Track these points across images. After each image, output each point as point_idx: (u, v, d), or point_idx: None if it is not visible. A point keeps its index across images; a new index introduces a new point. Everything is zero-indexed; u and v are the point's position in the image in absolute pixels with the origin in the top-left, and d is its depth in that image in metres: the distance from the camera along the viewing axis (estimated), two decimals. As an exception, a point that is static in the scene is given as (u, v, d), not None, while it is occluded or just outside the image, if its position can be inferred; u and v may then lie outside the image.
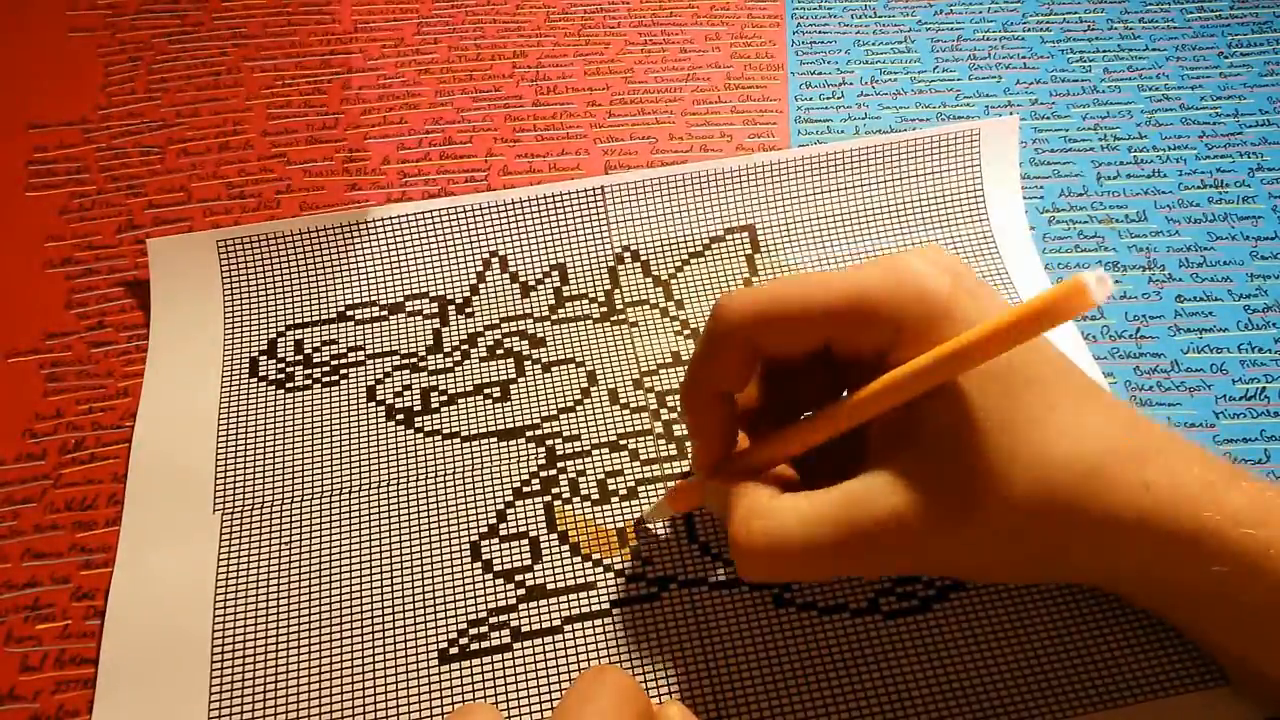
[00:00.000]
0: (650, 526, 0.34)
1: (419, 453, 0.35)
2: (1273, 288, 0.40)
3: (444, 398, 0.36)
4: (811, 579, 0.32)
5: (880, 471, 0.27)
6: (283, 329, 0.38)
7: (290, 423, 0.36)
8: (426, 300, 0.39)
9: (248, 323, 0.38)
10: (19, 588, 0.33)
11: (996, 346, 0.23)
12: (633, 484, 0.34)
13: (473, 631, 0.31)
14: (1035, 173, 0.44)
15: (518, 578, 0.32)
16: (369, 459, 0.35)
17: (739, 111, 0.46)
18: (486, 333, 0.38)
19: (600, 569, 0.32)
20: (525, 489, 0.34)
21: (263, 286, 0.39)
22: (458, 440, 0.35)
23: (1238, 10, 0.50)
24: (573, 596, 0.32)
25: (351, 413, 0.36)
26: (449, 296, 0.39)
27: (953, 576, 0.31)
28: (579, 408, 0.36)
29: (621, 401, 0.36)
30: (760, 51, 0.49)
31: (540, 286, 0.39)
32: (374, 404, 0.36)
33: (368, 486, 0.34)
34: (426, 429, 0.36)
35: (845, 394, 0.27)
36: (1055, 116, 0.46)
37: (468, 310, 0.38)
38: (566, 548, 0.33)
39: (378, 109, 0.47)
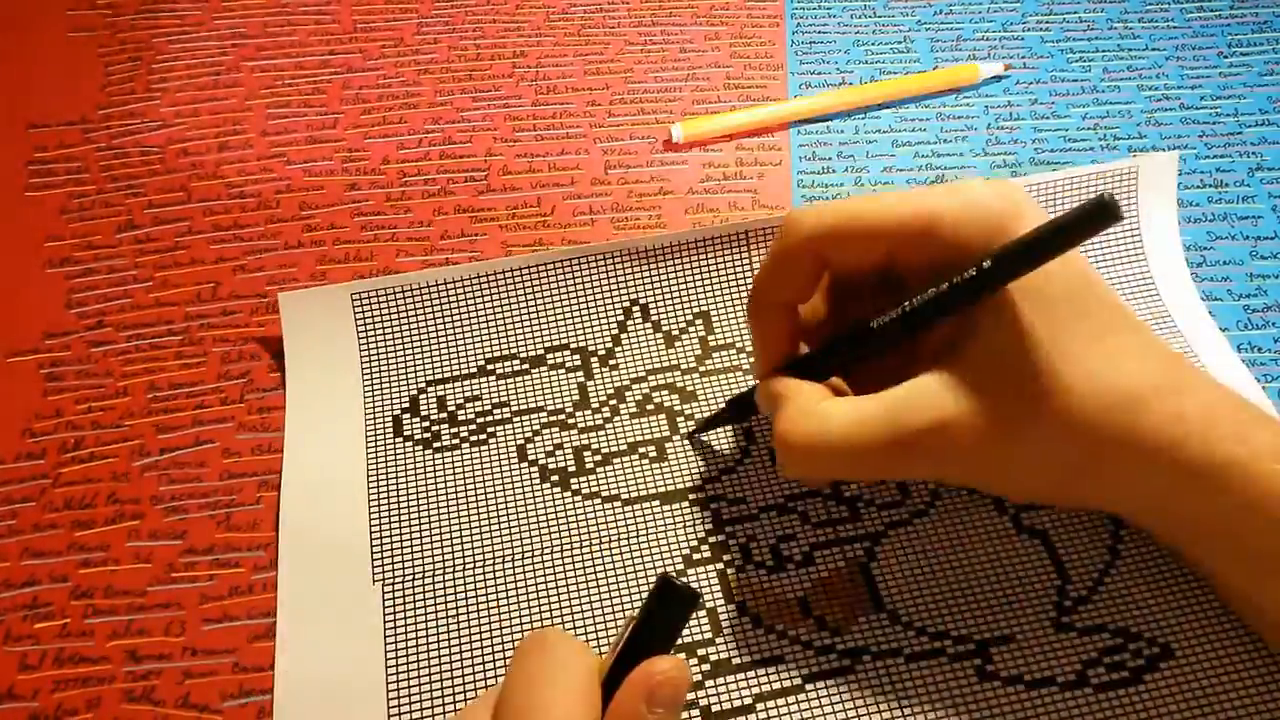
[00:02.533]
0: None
1: (579, 517, 0.34)
2: (1272, 288, 0.40)
3: (598, 457, 0.35)
4: (852, 477, 0.31)
5: (931, 376, 0.28)
6: (424, 385, 0.37)
7: (441, 485, 0.34)
8: (567, 352, 0.37)
9: (388, 379, 0.37)
10: (17, 586, 0.33)
11: (1036, 259, 0.25)
12: (807, 549, 0.33)
13: None
14: (1035, 173, 0.43)
15: (700, 652, 0.31)
16: (528, 524, 0.33)
17: (739, 111, 0.46)
18: (634, 386, 0.37)
19: (785, 641, 0.31)
20: (695, 556, 0.33)
21: (400, 341, 0.38)
22: (618, 504, 0.34)
23: (1238, 10, 0.50)
24: (761, 672, 0.30)
25: (504, 474, 0.35)
26: (591, 348, 0.38)
27: (983, 488, 0.31)
28: (740, 468, 0.35)
29: None
30: (760, 51, 0.49)
31: (685, 336, 0.38)
32: (526, 464, 0.35)
33: (530, 554, 0.33)
34: (584, 491, 0.34)
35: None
36: (1055, 117, 0.46)
37: (611, 362, 0.37)
38: (747, 619, 0.31)
39: (378, 109, 0.47)
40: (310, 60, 0.49)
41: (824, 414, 0.28)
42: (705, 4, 0.51)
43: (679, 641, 0.31)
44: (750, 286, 0.38)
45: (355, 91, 0.47)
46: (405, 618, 0.32)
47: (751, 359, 0.37)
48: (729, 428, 0.36)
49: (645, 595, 0.32)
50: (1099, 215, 0.24)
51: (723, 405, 0.35)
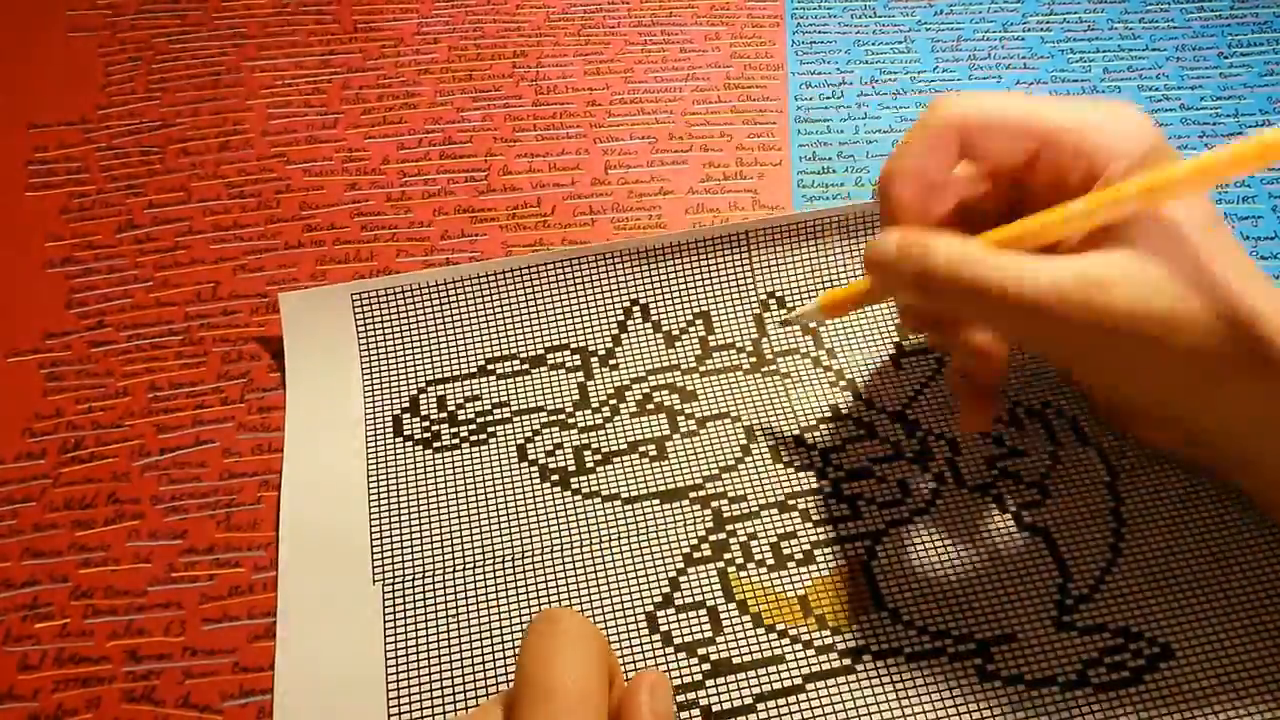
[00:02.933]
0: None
1: (579, 516, 0.34)
2: (1273, 287, 0.40)
3: (598, 457, 0.35)
4: (1027, 332, 0.29)
5: (1106, 249, 0.27)
6: (424, 385, 0.37)
7: (442, 485, 0.34)
8: (568, 352, 0.37)
9: (388, 379, 0.37)
10: (18, 586, 0.33)
11: (1241, 168, 0.25)
12: (808, 547, 0.33)
13: None
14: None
15: (700, 651, 0.31)
16: (528, 524, 0.33)
17: (739, 111, 0.46)
18: (634, 386, 0.37)
19: (786, 640, 0.31)
20: (696, 554, 0.33)
21: (400, 341, 0.38)
22: (618, 503, 0.34)
23: (1238, 10, 0.50)
24: (761, 671, 0.30)
25: (504, 474, 0.35)
26: (591, 348, 0.38)
27: (1101, 373, 0.30)
28: (741, 466, 0.35)
29: (785, 459, 0.35)
30: (760, 51, 0.49)
31: (685, 336, 0.38)
32: (526, 464, 0.35)
33: (531, 553, 0.33)
34: (584, 491, 0.34)
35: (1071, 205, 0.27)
36: (1055, 116, 0.46)
37: (611, 362, 0.37)
38: (748, 618, 0.31)
39: (378, 109, 0.47)
40: (310, 60, 0.49)
41: (989, 249, 0.27)
42: (705, 4, 0.51)
43: (679, 642, 0.31)
44: (753, 287, 0.39)
45: (355, 91, 0.47)
46: (405, 617, 0.32)
47: (751, 358, 0.37)
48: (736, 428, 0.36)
49: (646, 594, 0.32)
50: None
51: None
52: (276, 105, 0.47)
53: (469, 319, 0.38)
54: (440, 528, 0.34)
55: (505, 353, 0.38)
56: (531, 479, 0.35)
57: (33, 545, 0.34)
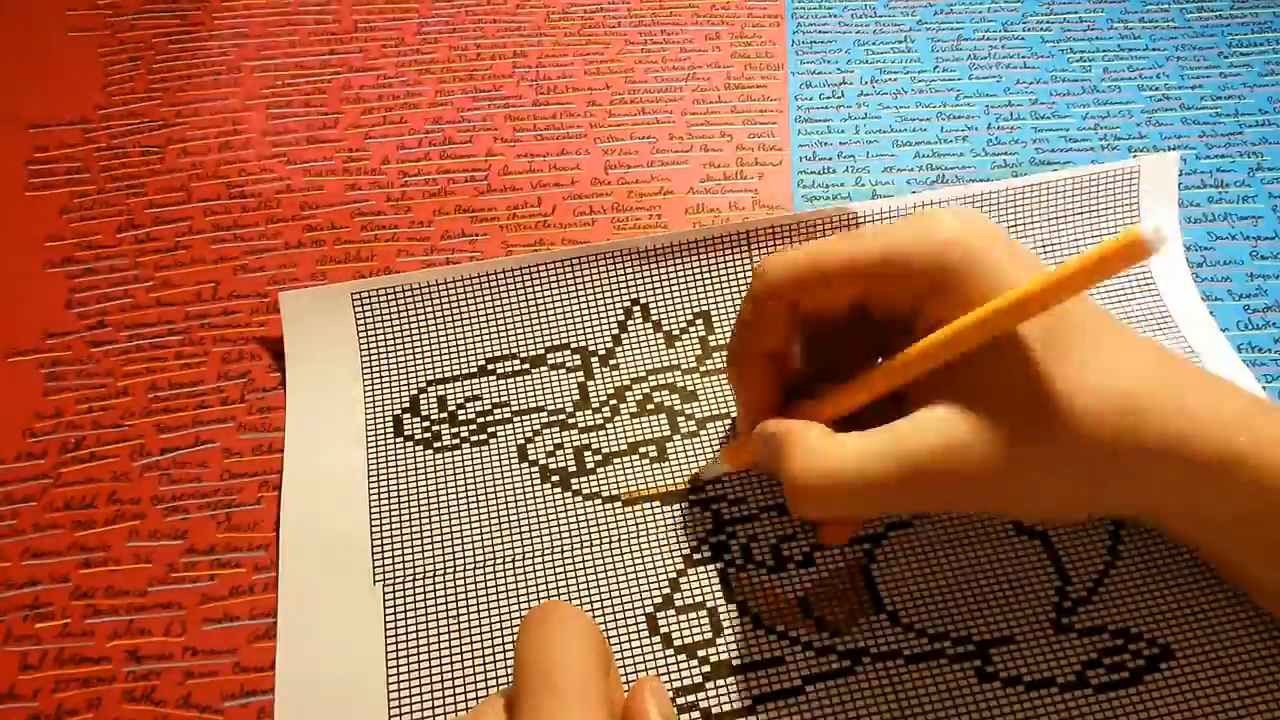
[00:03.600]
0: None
1: (580, 517, 0.34)
2: (1273, 288, 0.40)
3: (598, 457, 0.35)
4: (866, 512, 0.31)
5: (939, 407, 0.27)
6: (424, 384, 0.37)
7: (442, 485, 0.34)
8: (568, 352, 0.37)
9: (388, 379, 0.37)
10: (18, 587, 0.33)
11: (1057, 296, 0.25)
12: (807, 549, 0.33)
13: None
14: (1036, 173, 0.43)
15: (700, 653, 0.31)
16: (529, 524, 0.34)
17: (739, 111, 0.46)
18: (634, 386, 0.37)
19: (786, 642, 0.31)
20: (696, 556, 0.33)
21: (400, 341, 0.38)
22: (618, 504, 0.34)
23: (1238, 10, 0.50)
24: (761, 673, 0.30)
25: (504, 474, 0.35)
26: (591, 348, 0.38)
27: (997, 514, 0.30)
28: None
29: None
30: (760, 51, 0.49)
31: (685, 336, 0.38)
32: (526, 464, 0.35)
33: (531, 554, 0.33)
34: (584, 491, 0.34)
35: (880, 360, 0.28)
36: (1055, 116, 0.46)
37: (611, 362, 0.37)
38: (748, 619, 0.31)
39: (378, 109, 0.47)
40: (310, 60, 0.49)
41: (833, 450, 0.28)
42: (705, 4, 0.51)
43: (679, 643, 0.31)
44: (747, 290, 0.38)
45: (355, 91, 0.47)
46: (406, 618, 0.32)
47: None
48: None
49: (646, 596, 0.32)
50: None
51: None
52: (276, 105, 0.47)
53: (469, 319, 0.38)
54: (441, 528, 0.34)
55: (505, 352, 0.38)
56: (532, 479, 0.35)
57: (33, 545, 0.34)
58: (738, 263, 0.39)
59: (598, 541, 0.33)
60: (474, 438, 0.36)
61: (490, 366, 0.37)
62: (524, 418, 0.36)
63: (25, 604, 0.33)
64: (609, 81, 0.48)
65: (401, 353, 0.38)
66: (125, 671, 0.31)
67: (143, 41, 0.49)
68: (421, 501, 0.34)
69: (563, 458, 0.35)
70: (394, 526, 0.34)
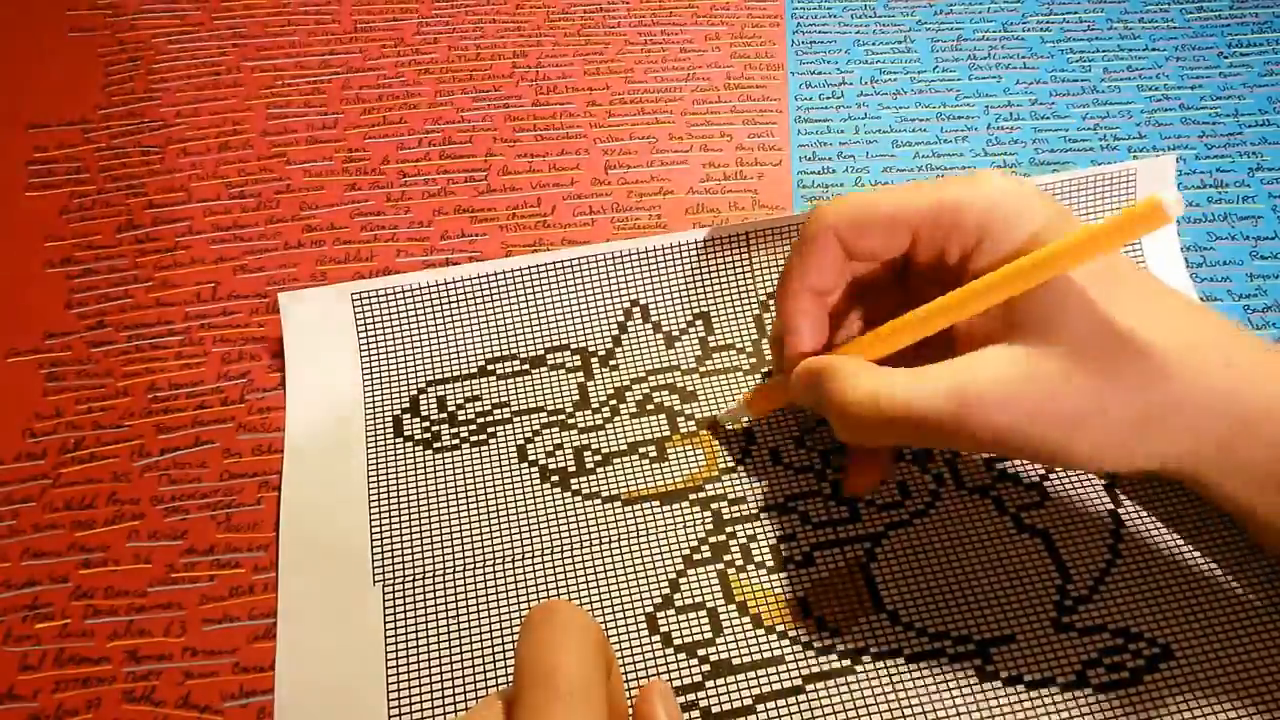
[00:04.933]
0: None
1: (579, 517, 0.34)
2: (1273, 287, 0.40)
3: (598, 457, 0.35)
4: (911, 441, 0.31)
5: (988, 348, 0.28)
6: (424, 385, 0.37)
7: (442, 486, 0.34)
8: (568, 353, 0.37)
9: (388, 379, 0.37)
10: (18, 587, 0.33)
11: (1089, 251, 0.26)
12: (807, 549, 0.33)
13: None
14: (1035, 173, 0.44)
15: (700, 652, 0.31)
16: (529, 525, 0.33)
17: (739, 111, 0.46)
18: (634, 386, 0.37)
19: (786, 642, 0.31)
20: (695, 556, 0.33)
21: (400, 341, 0.38)
22: (618, 504, 0.34)
23: (1238, 10, 0.50)
24: (761, 673, 0.30)
25: (504, 474, 0.35)
26: (591, 348, 0.38)
27: (1043, 452, 0.30)
28: (740, 468, 0.35)
29: (784, 461, 0.35)
30: (760, 51, 0.49)
31: (685, 336, 0.38)
32: (526, 464, 0.35)
33: (531, 554, 0.33)
34: (584, 492, 0.34)
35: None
36: (1055, 116, 0.46)
37: (611, 363, 0.37)
38: (747, 619, 0.31)
39: (378, 109, 0.47)
40: (310, 60, 0.49)
41: (884, 376, 0.29)
42: (705, 4, 0.51)
43: (679, 643, 0.31)
44: (753, 287, 0.39)
45: (355, 91, 0.47)
46: (406, 618, 0.32)
47: (751, 359, 0.37)
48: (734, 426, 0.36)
49: (646, 596, 0.32)
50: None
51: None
52: (276, 105, 0.47)
53: (469, 319, 0.38)
54: (441, 528, 0.34)
55: (505, 353, 0.38)
56: (532, 479, 0.35)
57: (33, 546, 0.34)
58: (737, 264, 0.39)
59: (597, 541, 0.33)
60: (474, 438, 0.36)
61: (490, 367, 0.37)
62: (524, 418, 0.36)
63: (25, 604, 0.33)
64: (609, 81, 0.48)
65: (401, 353, 0.37)
66: (125, 672, 0.31)
67: (143, 41, 0.49)
68: (421, 502, 0.34)
69: (562, 458, 0.35)
70: (394, 527, 0.34)
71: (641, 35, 0.50)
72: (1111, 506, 0.33)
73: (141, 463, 0.36)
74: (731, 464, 0.35)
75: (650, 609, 0.32)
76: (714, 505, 0.34)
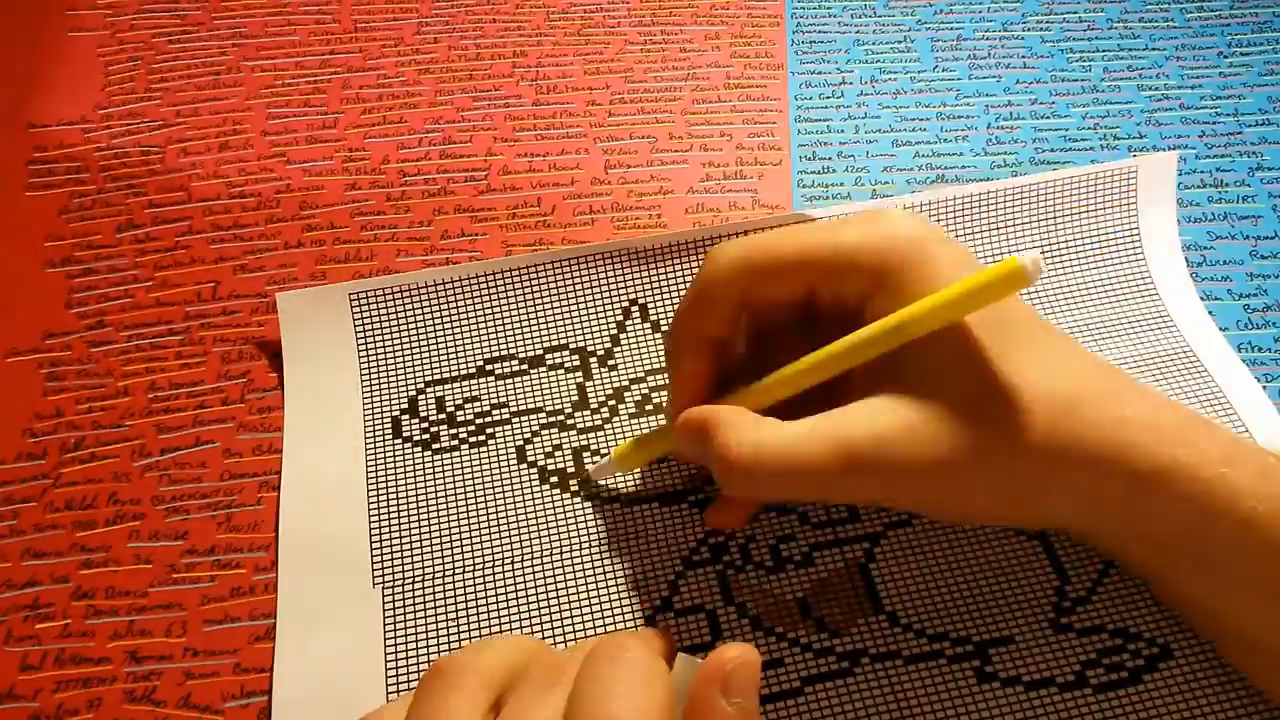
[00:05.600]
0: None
1: (579, 519, 0.34)
2: (1273, 287, 0.40)
3: (597, 458, 0.35)
4: (796, 496, 0.31)
5: (875, 398, 0.27)
6: (422, 385, 0.37)
7: (441, 487, 0.34)
8: (566, 352, 0.37)
9: (386, 380, 0.37)
10: (18, 587, 0.33)
11: (953, 313, 0.26)
12: (806, 550, 0.33)
13: None
14: (1035, 173, 0.43)
15: (699, 656, 0.31)
16: (528, 526, 0.33)
17: (739, 111, 0.46)
18: (633, 386, 0.37)
19: (785, 643, 0.31)
20: (695, 557, 0.33)
21: (398, 341, 0.38)
22: (617, 505, 0.34)
23: (1238, 10, 0.50)
24: (760, 675, 0.30)
25: (503, 475, 0.35)
26: (590, 348, 0.37)
27: (930, 510, 0.30)
28: None
29: None
30: (760, 51, 0.49)
31: None
32: (525, 465, 0.35)
33: (530, 557, 0.33)
34: (583, 493, 0.34)
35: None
36: (1055, 116, 0.46)
37: (610, 363, 0.37)
38: (747, 621, 0.31)
39: (377, 109, 0.47)
40: (310, 60, 0.49)
41: (767, 428, 0.28)
42: (705, 4, 0.51)
43: (678, 644, 0.31)
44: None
45: (355, 91, 0.47)
46: (405, 620, 0.32)
47: None
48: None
49: (645, 598, 0.32)
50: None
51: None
52: (276, 105, 0.47)
53: (467, 319, 0.38)
54: (440, 530, 0.34)
55: (504, 353, 0.38)
56: (531, 480, 0.35)
57: (33, 546, 0.34)
58: None
59: (596, 543, 0.33)
60: (472, 439, 0.36)
61: (489, 367, 0.37)
62: (522, 419, 0.36)
63: (25, 604, 0.33)
64: (609, 81, 0.48)
65: (400, 353, 0.37)
66: (125, 672, 0.31)
67: (143, 41, 0.49)
68: (420, 503, 0.34)
69: (561, 458, 0.35)
70: (393, 529, 0.34)
71: (641, 35, 0.50)
72: None
73: (142, 463, 0.36)
74: None
75: (649, 611, 0.32)
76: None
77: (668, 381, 0.34)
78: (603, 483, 0.34)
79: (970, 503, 0.28)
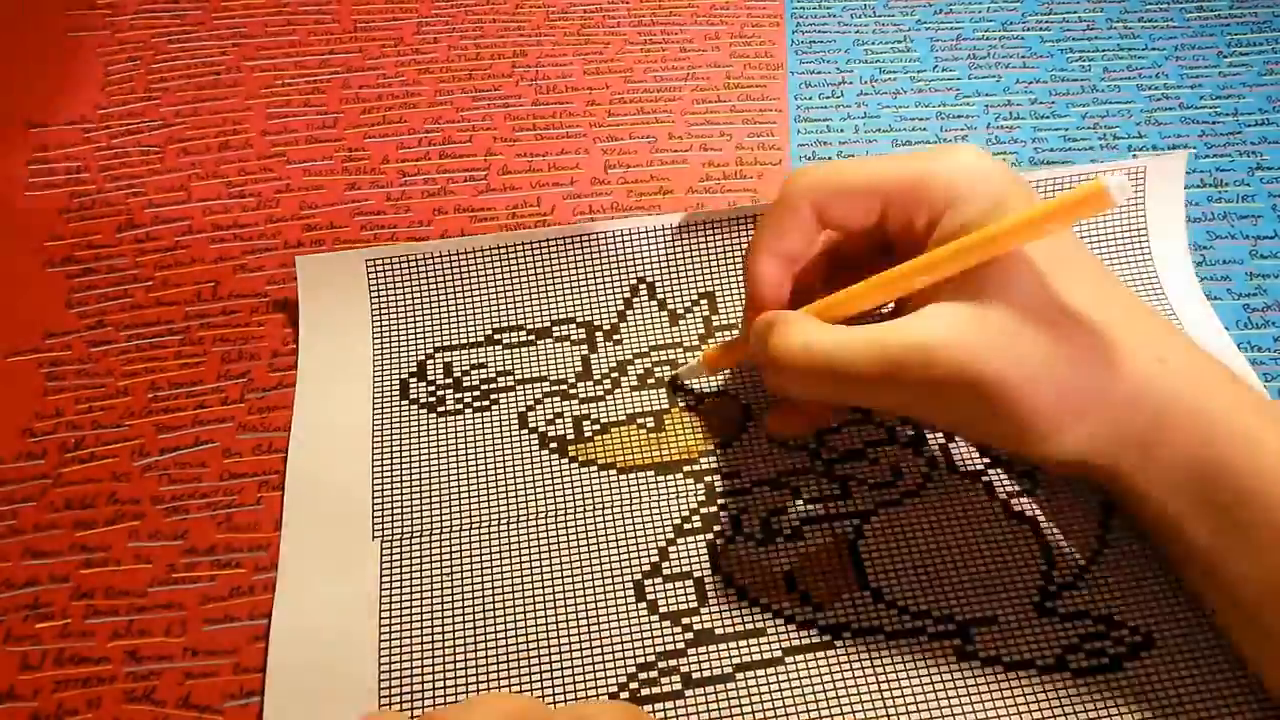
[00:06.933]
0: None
1: (575, 483, 0.34)
2: (1272, 287, 0.40)
3: (596, 427, 0.36)
4: (834, 397, 0.31)
5: (928, 307, 0.28)
6: (431, 351, 0.38)
7: (444, 448, 0.35)
8: (573, 326, 0.38)
9: (397, 344, 0.38)
10: (18, 586, 0.33)
11: (1030, 234, 0.27)
12: (797, 524, 0.33)
13: (643, 676, 0.30)
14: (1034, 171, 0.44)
15: (684, 620, 0.31)
16: (525, 489, 0.34)
17: (739, 111, 0.46)
18: (636, 361, 0.37)
19: (769, 614, 0.31)
20: (686, 526, 0.33)
21: (411, 307, 0.38)
22: (613, 472, 0.34)
23: (1237, 10, 0.50)
24: (743, 643, 0.31)
25: (504, 440, 0.35)
26: (596, 322, 0.38)
27: (963, 423, 0.30)
28: (736, 443, 0.35)
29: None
30: (760, 51, 0.49)
31: (689, 315, 0.38)
32: (526, 431, 0.36)
33: (525, 518, 0.33)
34: (580, 458, 0.35)
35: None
36: (1055, 116, 0.46)
37: (616, 337, 0.38)
38: (733, 590, 0.32)
39: (377, 109, 0.47)
40: (310, 60, 0.49)
41: (821, 329, 0.29)
42: (705, 4, 0.51)
43: (664, 610, 0.32)
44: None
45: (355, 91, 0.47)
46: (401, 573, 0.32)
47: None
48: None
49: (635, 562, 0.32)
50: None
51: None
52: (276, 105, 0.47)
53: (479, 289, 0.39)
54: (440, 489, 0.34)
55: (512, 323, 0.38)
56: (531, 445, 0.35)
57: (33, 545, 0.34)
58: (744, 246, 0.39)
59: (591, 507, 0.34)
60: (476, 404, 0.36)
61: (497, 336, 0.38)
62: (526, 386, 0.37)
63: (25, 604, 0.33)
64: (609, 81, 0.48)
65: (411, 319, 0.38)
66: (125, 672, 0.31)
67: (142, 42, 0.49)
68: (423, 463, 0.35)
69: (562, 426, 0.36)
70: (395, 485, 0.34)
71: (641, 35, 0.50)
72: (1102, 496, 0.33)
73: (141, 462, 0.36)
74: (728, 438, 0.35)
75: (638, 576, 0.32)
76: (708, 478, 0.34)
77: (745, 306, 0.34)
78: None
79: (1003, 418, 0.28)
